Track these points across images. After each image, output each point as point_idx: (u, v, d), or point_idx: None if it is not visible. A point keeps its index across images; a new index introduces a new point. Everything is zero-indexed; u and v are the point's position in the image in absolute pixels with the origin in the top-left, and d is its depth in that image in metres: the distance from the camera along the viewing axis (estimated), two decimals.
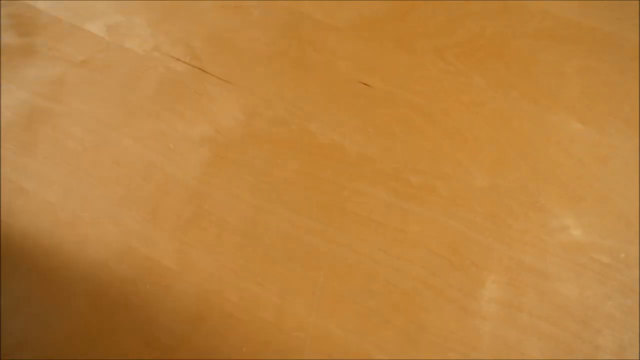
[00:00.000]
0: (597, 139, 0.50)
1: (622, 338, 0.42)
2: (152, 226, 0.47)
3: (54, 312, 0.44)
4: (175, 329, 0.43)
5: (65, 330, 0.43)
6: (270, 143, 0.51)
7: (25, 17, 0.57)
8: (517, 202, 0.48)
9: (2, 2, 0.58)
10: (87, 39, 0.56)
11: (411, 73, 0.53)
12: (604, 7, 0.56)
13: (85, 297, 0.44)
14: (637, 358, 0.41)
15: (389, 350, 0.42)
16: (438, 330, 0.43)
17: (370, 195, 0.48)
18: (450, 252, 0.46)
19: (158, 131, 0.51)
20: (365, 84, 0.53)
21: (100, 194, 0.49)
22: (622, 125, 0.51)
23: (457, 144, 0.50)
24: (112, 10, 0.57)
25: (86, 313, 0.43)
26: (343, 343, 0.43)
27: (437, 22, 0.56)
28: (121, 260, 0.46)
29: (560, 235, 0.46)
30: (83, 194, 0.49)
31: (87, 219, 0.48)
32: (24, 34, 0.56)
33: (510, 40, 0.55)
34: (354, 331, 0.43)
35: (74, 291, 0.44)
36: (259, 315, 0.43)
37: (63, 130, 0.52)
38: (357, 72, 0.54)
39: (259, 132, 0.51)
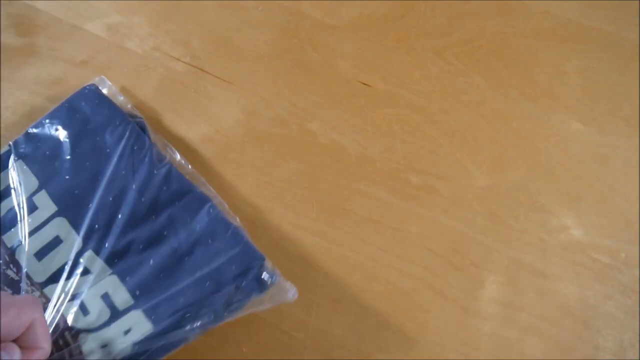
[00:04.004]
0: (597, 139, 0.50)
1: (622, 338, 0.42)
2: None
3: None
4: None
5: None
6: (270, 143, 0.51)
7: (25, 17, 0.57)
8: (517, 202, 0.48)
9: (2, 2, 0.58)
10: (87, 39, 0.56)
11: (411, 73, 0.53)
12: (604, 7, 0.56)
13: None
14: (638, 358, 0.41)
15: (389, 350, 0.42)
16: (438, 330, 0.43)
17: (370, 195, 0.48)
18: (450, 252, 0.46)
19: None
20: (364, 84, 0.53)
21: None
22: (622, 125, 0.51)
23: (457, 143, 0.50)
24: (112, 10, 0.57)
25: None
26: (343, 343, 0.43)
27: (437, 22, 0.56)
28: None
29: (560, 235, 0.46)
30: None
31: None
32: (24, 34, 0.56)
33: (510, 40, 0.55)
34: (354, 331, 0.43)
35: None
36: (259, 315, 0.43)
37: None
38: (357, 71, 0.54)
39: (259, 132, 0.51)
